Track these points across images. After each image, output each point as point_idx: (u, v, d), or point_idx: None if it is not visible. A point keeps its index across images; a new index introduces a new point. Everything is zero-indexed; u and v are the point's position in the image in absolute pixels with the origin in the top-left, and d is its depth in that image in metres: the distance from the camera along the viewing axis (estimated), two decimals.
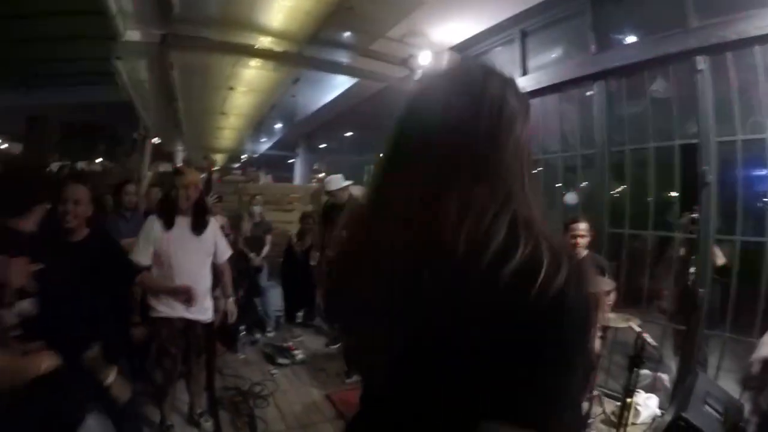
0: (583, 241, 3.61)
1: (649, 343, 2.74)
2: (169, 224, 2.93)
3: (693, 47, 3.72)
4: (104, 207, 4.20)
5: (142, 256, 2.87)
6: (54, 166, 7.47)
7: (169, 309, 2.93)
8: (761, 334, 2.76)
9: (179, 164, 3.64)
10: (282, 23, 5.50)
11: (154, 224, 2.95)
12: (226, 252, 3.25)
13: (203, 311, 3.08)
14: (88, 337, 1.95)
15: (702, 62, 3.70)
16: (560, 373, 0.70)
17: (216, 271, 3.22)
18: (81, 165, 12.08)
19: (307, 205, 7.02)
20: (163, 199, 3.09)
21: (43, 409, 1.75)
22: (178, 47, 5.74)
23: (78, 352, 1.88)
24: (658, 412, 3.55)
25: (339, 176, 5.21)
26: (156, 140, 10.73)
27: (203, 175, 4.98)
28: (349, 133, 17.05)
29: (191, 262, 2.98)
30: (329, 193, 5.18)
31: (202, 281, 3.04)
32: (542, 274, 0.69)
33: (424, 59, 6.02)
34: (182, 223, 2.99)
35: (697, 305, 3.74)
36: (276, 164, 19.81)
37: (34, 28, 8.35)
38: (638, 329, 2.75)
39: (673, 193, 4.10)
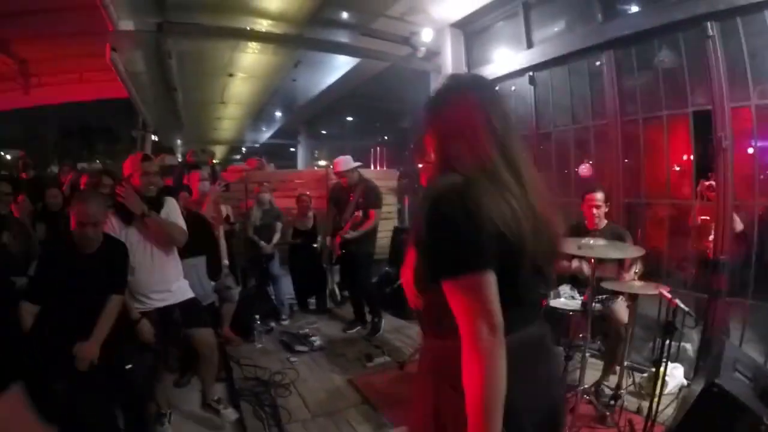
0: (599, 211, 3.54)
1: (682, 309, 2.66)
2: (127, 221, 2.89)
3: (702, 13, 3.62)
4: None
5: None
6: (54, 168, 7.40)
7: (141, 305, 2.92)
8: None
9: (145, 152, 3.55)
10: (280, 4, 5.39)
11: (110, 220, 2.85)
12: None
13: (176, 295, 3.05)
14: None
15: (711, 28, 3.60)
16: (430, 246, 1.23)
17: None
18: (81, 166, 12.01)
19: (312, 191, 6.94)
20: (113, 194, 2.93)
21: None
22: (174, 35, 5.63)
23: None
24: (684, 381, 3.50)
25: (348, 157, 5.13)
26: (154, 138, 10.65)
27: (205, 168, 4.90)
28: (350, 118, 16.92)
29: (153, 255, 2.96)
30: (339, 173, 5.09)
31: (166, 269, 3.03)
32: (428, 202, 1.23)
33: (426, 36, 5.91)
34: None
35: (718, 272, 3.67)
36: (278, 153, 19.73)
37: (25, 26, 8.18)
38: (669, 295, 2.67)
39: (689, 161, 4.01)
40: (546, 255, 1.33)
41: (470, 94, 1.33)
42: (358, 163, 5.16)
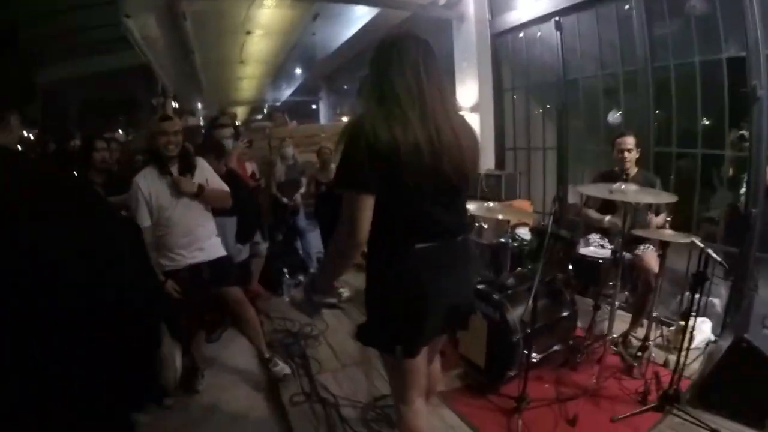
0: (630, 155, 3.44)
1: (713, 259, 2.60)
2: (163, 173, 2.92)
3: None
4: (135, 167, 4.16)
5: (142, 218, 2.89)
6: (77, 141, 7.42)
7: (171, 262, 2.96)
8: None
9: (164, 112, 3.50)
10: None
11: (141, 182, 2.90)
12: (221, 188, 3.18)
13: (208, 253, 3.07)
14: None
15: None
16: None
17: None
18: (108, 136, 12.09)
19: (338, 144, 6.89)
20: (148, 150, 3.02)
21: None
22: None
23: None
24: (711, 336, 3.46)
25: None
26: (175, 104, 10.64)
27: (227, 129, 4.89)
28: None
29: (185, 210, 2.97)
30: None
31: (199, 226, 3.04)
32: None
33: None
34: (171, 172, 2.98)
35: (750, 226, 3.57)
36: (299, 110, 19.59)
37: (36, 3, 8.12)
38: (701, 245, 2.61)
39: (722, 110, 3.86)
40: (453, 179, 1.61)
41: (389, 48, 1.62)
42: None
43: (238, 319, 3.29)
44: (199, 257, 3.03)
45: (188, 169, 3.00)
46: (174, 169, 2.95)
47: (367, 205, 1.51)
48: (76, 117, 17.35)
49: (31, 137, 14.91)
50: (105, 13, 7.07)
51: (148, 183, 2.90)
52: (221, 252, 3.17)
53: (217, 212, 3.25)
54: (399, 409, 1.85)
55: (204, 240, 3.07)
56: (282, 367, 3.29)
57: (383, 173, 1.49)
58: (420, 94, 1.55)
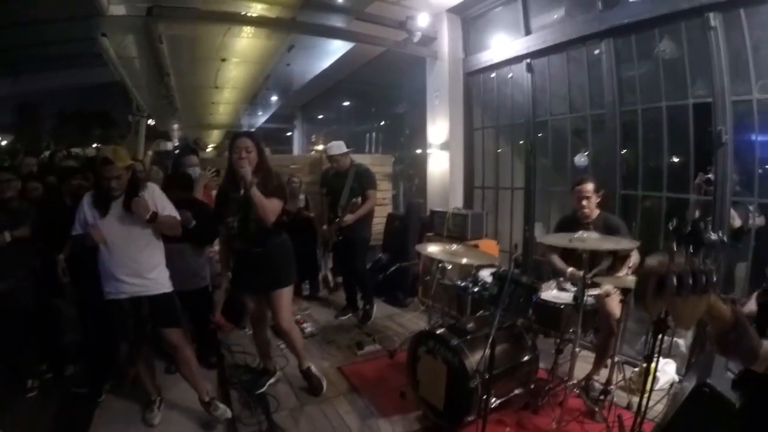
0: (589, 203, 3.49)
1: None
2: (103, 213, 2.91)
3: (704, 3, 3.56)
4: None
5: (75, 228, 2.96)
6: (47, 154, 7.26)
7: (112, 289, 2.91)
8: None
9: (106, 152, 3.39)
10: None
11: (86, 200, 2.95)
12: (171, 215, 3.10)
13: (151, 286, 2.99)
14: None
15: (714, 19, 3.54)
16: None
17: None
18: (76, 151, 11.92)
19: (306, 176, 6.86)
20: (95, 188, 3.02)
21: None
22: (165, 19, 5.50)
23: None
24: (675, 377, 3.48)
25: (341, 142, 5.09)
26: (151, 122, 10.52)
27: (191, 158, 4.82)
28: (346, 103, 16.75)
29: (130, 242, 2.93)
30: (331, 158, 5.04)
31: (145, 257, 2.98)
32: None
33: (423, 21, 5.81)
34: (117, 204, 2.93)
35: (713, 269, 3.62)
36: (274, 137, 19.56)
37: (15, 13, 8.02)
38: None
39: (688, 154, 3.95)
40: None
41: None
42: (350, 149, 5.11)
43: (175, 359, 3.23)
44: (141, 289, 2.95)
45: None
46: (120, 201, 2.92)
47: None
48: (51, 128, 17.13)
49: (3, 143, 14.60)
50: (84, 26, 6.99)
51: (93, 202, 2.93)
52: (166, 288, 3.07)
53: (176, 239, 3.20)
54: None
55: (148, 271, 2.98)
56: (223, 411, 3.16)
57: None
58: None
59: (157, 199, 3.05)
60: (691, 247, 3.16)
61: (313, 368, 3.67)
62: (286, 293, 3.40)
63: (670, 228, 2.92)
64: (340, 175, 4.99)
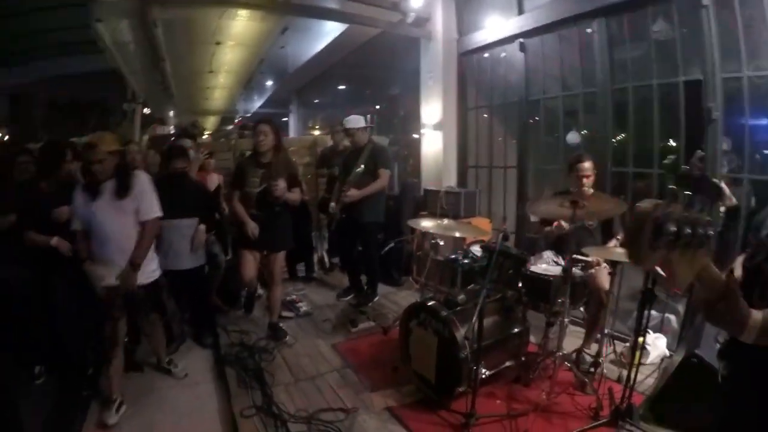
0: (588, 181, 3.50)
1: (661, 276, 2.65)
2: (93, 196, 2.94)
3: None
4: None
5: (74, 222, 3.04)
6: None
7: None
8: None
9: (92, 137, 3.39)
10: None
11: (78, 196, 2.98)
12: (149, 212, 3.06)
13: (141, 275, 3.03)
14: None
15: None
16: None
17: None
18: (72, 140, 11.87)
19: (303, 158, 6.88)
20: (84, 172, 3.01)
21: None
22: (159, 3, 5.50)
23: None
24: (666, 352, 3.53)
25: (359, 117, 4.88)
26: (146, 110, 10.48)
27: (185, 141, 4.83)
28: (341, 87, 16.72)
29: (117, 227, 2.96)
30: (347, 131, 4.86)
31: (131, 245, 2.99)
32: None
33: (416, 2, 5.79)
34: (107, 188, 2.95)
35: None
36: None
37: (6, 3, 7.95)
38: None
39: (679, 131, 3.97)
40: None
41: None
42: (370, 124, 4.93)
43: (148, 335, 3.53)
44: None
45: (124, 189, 2.96)
46: (111, 186, 2.94)
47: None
48: (45, 118, 17.00)
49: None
50: (76, 14, 6.96)
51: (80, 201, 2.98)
52: (153, 277, 3.16)
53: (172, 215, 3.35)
54: None
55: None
56: (180, 369, 3.56)
57: None
58: None
59: (143, 187, 3.04)
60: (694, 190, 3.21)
61: (282, 325, 4.24)
62: (282, 255, 4.19)
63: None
64: (355, 152, 4.81)
